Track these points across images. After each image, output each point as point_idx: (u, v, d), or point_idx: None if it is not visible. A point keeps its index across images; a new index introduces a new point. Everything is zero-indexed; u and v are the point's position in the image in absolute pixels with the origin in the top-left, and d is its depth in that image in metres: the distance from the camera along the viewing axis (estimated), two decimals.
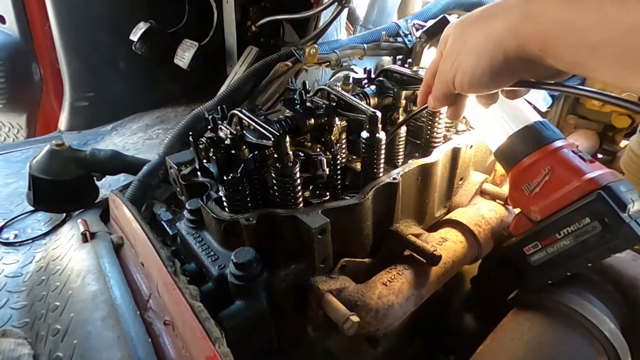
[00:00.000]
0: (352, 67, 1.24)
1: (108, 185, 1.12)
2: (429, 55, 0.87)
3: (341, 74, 1.29)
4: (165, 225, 0.80)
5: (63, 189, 0.89)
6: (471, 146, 0.80)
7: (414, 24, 0.98)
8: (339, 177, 0.67)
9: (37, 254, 0.80)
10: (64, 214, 0.96)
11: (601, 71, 0.35)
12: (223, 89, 1.18)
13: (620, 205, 0.55)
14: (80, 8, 1.55)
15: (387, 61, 1.41)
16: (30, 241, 0.87)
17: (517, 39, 0.40)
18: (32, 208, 0.95)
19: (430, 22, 0.88)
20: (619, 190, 0.56)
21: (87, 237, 0.73)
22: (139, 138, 1.51)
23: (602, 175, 0.58)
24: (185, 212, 0.68)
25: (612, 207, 0.54)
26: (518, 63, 0.42)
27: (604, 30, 0.32)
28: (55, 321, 0.56)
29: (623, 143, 1.25)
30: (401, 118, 0.77)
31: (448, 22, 0.82)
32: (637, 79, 0.32)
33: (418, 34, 0.87)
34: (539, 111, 1.08)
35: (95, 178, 0.98)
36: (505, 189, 0.83)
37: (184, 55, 1.46)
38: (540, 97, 1.06)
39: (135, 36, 1.46)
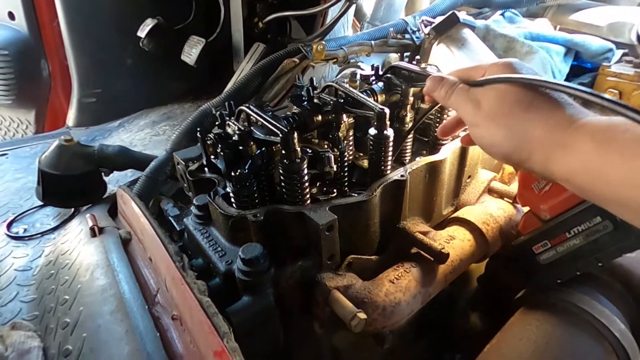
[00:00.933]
0: (359, 64, 1.23)
1: (116, 181, 1.13)
2: (437, 52, 0.86)
3: (348, 71, 1.29)
4: (172, 221, 0.81)
5: (71, 184, 0.90)
6: None
7: (422, 21, 0.98)
8: (346, 174, 0.67)
9: (46, 248, 0.81)
10: (73, 209, 0.97)
11: (622, 214, 0.37)
12: (230, 85, 1.18)
13: None
14: (89, 5, 1.55)
15: (394, 58, 1.40)
16: (39, 235, 0.87)
17: (542, 158, 0.41)
18: (41, 203, 0.96)
19: (439, 19, 0.87)
20: None
21: (96, 231, 0.73)
22: (145, 134, 1.52)
23: None
24: (192, 207, 0.68)
25: None
26: (529, 167, 0.44)
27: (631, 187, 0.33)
28: (64, 314, 0.57)
29: None
30: (409, 115, 0.76)
31: (457, 18, 0.82)
32: None
33: (427, 30, 0.86)
34: None
35: (103, 173, 0.98)
36: (513, 187, 0.82)
37: (191, 52, 1.46)
38: None
39: (142, 32, 1.46)
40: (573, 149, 0.37)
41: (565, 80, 1.15)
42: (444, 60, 0.86)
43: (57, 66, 1.71)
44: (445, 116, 0.76)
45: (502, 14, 1.41)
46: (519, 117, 0.42)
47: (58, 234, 0.87)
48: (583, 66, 1.28)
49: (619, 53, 1.25)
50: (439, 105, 0.74)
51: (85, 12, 1.56)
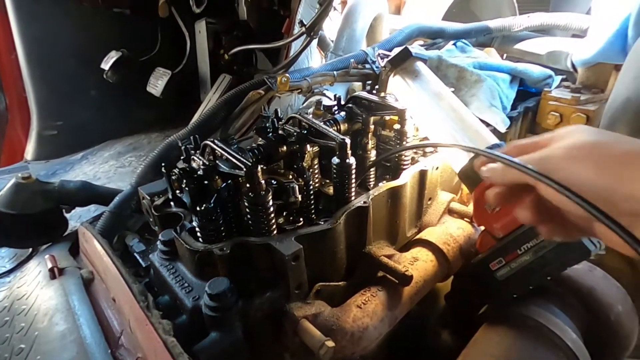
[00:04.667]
0: (325, 92, 1.28)
1: (78, 217, 1.09)
2: (394, 83, 0.92)
3: (314, 99, 1.34)
4: (138, 257, 0.79)
5: (29, 224, 0.86)
6: (437, 167, 0.84)
7: (379, 54, 1.04)
8: (312, 202, 0.69)
9: (0, 293, 0.76)
10: (31, 249, 0.92)
11: None
12: (196, 116, 1.19)
13: None
14: (49, 37, 1.53)
15: (357, 86, 1.46)
16: None
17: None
18: None
19: (396, 50, 0.94)
20: None
21: (55, 273, 0.70)
22: (110, 166, 1.48)
23: None
24: (158, 243, 0.67)
25: None
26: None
27: None
28: None
29: None
30: (370, 142, 0.80)
31: (409, 52, 0.88)
32: None
33: (383, 63, 0.92)
34: (498, 132, 1.15)
35: (64, 210, 0.95)
36: (471, 207, 0.87)
37: (157, 84, 1.47)
38: (499, 119, 1.13)
39: (106, 65, 1.46)
40: None
41: (512, 104, 1.25)
42: (401, 90, 0.91)
43: (14, 99, 1.65)
44: (404, 143, 0.81)
45: (454, 44, 1.52)
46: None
47: (14, 276, 0.82)
48: (529, 91, 1.40)
49: (558, 79, 1.38)
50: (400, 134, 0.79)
51: (46, 44, 1.54)
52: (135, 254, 0.79)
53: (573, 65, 1.36)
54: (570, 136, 0.39)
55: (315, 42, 1.22)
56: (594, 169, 0.35)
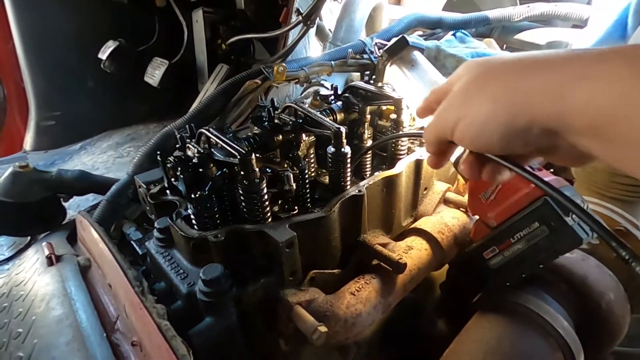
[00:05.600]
0: (322, 82, 1.28)
1: (76, 206, 1.10)
2: (391, 72, 0.92)
3: (311, 89, 1.33)
4: (134, 245, 0.80)
5: (27, 212, 0.87)
6: None
7: (376, 43, 1.04)
8: (307, 191, 0.69)
9: None
10: (29, 238, 0.93)
11: None
12: (194, 106, 1.18)
13: (564, 209, 0.59)
14: (46, 26, 1.53)
15: (356, 76, 1.46)
16: None
17: (556, 107, 0.31)
18: None
19: (392, 41, 0.93)
20: None
21: (53, 260, 0.71)
22: (108, 157, 1.49)
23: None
24: (154, 231, 0.68)
25: (557, 212, 0.59)
26: (542, 136, 0.34)
27: None
28: (17, 349, 0.55)
29: None
30: (367, 132, 0.80)
31: (406, 41, 0.88)
32: None
33: (380, 52, 0.91)
34: None
35: (62, 199, 0.96)
36: (467, 197, 0.87)
37: (154, 74, 1.46)
38: None
39: (103, 55, 1.45)
40: (599, 78, 0.28)
41: None
42: (397, 80, 0.91)
43: (12, 89, 1.65)
44: (401, 130, 0.80)
45: (453, 34, 1.51)
46: (502, 84, 0.35)
47: (12, 264, 0.83)
48: None
49: None
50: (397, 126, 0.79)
51: (43, 33, 1.53)
52: (132, 242, 0.80)
53: None
54: (464, 74, 0.40)
55: (313, 32, 1.21)
56: (492, 102, 0.36)
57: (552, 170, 0.78)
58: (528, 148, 0.36)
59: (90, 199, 1.10)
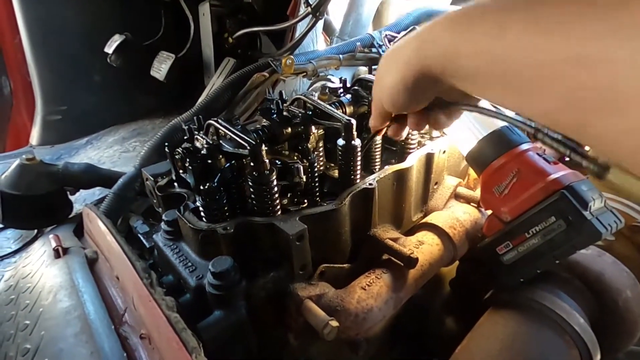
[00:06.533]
0: (329, 77, 1.26)
1: (83, 200, 1.09)
2: None
3: (319, 84, 1.32)
4: (142, 238, 0.79)
5: (34, 205, 0.87)
6: (444, 151, 0.83)
7: (386, 36, 1.02)
8: (316, 184, 0.68)
9: (5, 272, 0.77)
10: (36, 230, 0.93)
11: (485, 94, 0.38)
12: (201, 100, 1.18)
13: (582, 203, 0.58)
14: (52, 21, 1.52)
15: (363, 71, 1.44)
16: None
17: (420, 61, 0.42)
18: (0, 225, 0.92)
19: (402, 34, 0.91)
20: (581, 190, 0.59)
21: (60, 252, 0.70)
22: (115, 151, 1.48)
23: (565, 176, 0.62)
24: (162, 223, 0.67)
25: (575, 206, 0.57)
26: (428, 83, 0.44)
27: (478, 59, 0.34)
28: (24, 341, 0.54)
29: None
30: None
31: None
32: (511, 102, 0.35)
33: (390, 45, 0.90)
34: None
35: (68, 192, 0.95)
36: (478, 192, 0.86)
37: (161, 67, 1.46)
38: None
39: (110, 49, 1.45)
40: (440, 35, 0.38)
41: None
42: None
43: (19, 83, 1.65)
44: None
45: None
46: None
47: (19, 257, 0.83)
48: None
49: None
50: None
51: (49, 27, 1.52)
52: (139, 235, 0.79)
53: None
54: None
55: (320, 25, 1.19)
56: (395, 68, 0.46)
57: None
58: (429, 98, 0.49)
59: (97, 192, 1.10)
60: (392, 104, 0.50)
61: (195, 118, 0.69)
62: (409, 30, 0.89)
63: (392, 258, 0.67)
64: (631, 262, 0.72)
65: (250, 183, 0.58)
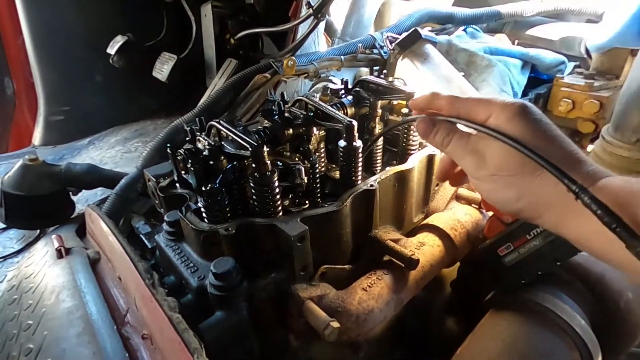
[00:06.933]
0: (331, 78, 1.26)
1: (85, 200, 1.10)
2: (402, 66, 0.90)
3: (320, 85, 1.32)
4: (143, 239, 0.79)
5: (36, 205, 0.87)
6: None
7: (387, 37, 1.02)
8: (318, 185, 0.68)
9: (8, 272, 0.77)
10: (38, 231, 0.93)
11: None
12: (202, 101, 1.18)
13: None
14: (55, 22, 1.53)
15: (364, 72, 1.44)
16: (1, 260, 0.84)
17: (556, 223, 0.42)
18: (3, 225, 0.92)
19: (404, 35, 0.91)
20: None
21: (62, 252, 0.71)
22: (117, 152, 1.49)
23: None
24: (164, 224, 0.67)
25: None
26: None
27: None
28: (27, 340, 0.55)
29: (589, 147, 1.32)
30: (377, 127, 0.79)
31: (419, 34, 0.86)
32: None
33: (392, 46, 0.90)
34: None
35: (71, 193, 0.96)
36: (479, 194, 0.86)
37: (163, 68, 1.46)
38: None
39: (112, 50, 1.45)
40: (587, 216, 0.35)
41: (523, 90, 1.22)
42: (409, 74, 0.90)
43: (22, 84, 1.66)
44: (412, 128, 0.79)
45: (464, 30, 1.49)
46: (528, 179, 0.40)
47: (22, 257, 0.83)
48: (540, 77, 1.36)
49: (571, 65, 1.35)
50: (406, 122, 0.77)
51: (52, 28, 1.53)
52: (141, 236, 0.80)
53: (587, 51, 1.33)
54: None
55: (322, 27, 1.20)
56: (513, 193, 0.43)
57: None
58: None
59: (99, 193, 1.11)
60: (489, 201, 0.47)
61: (197, 119, 0.70)
62: (409, 31, 0.89)
63: (393, 259, 0.68)
64: None
65: (251, 184, 0.59)
